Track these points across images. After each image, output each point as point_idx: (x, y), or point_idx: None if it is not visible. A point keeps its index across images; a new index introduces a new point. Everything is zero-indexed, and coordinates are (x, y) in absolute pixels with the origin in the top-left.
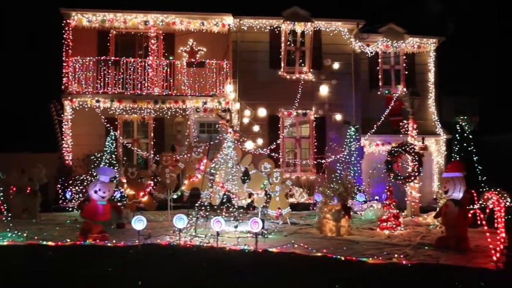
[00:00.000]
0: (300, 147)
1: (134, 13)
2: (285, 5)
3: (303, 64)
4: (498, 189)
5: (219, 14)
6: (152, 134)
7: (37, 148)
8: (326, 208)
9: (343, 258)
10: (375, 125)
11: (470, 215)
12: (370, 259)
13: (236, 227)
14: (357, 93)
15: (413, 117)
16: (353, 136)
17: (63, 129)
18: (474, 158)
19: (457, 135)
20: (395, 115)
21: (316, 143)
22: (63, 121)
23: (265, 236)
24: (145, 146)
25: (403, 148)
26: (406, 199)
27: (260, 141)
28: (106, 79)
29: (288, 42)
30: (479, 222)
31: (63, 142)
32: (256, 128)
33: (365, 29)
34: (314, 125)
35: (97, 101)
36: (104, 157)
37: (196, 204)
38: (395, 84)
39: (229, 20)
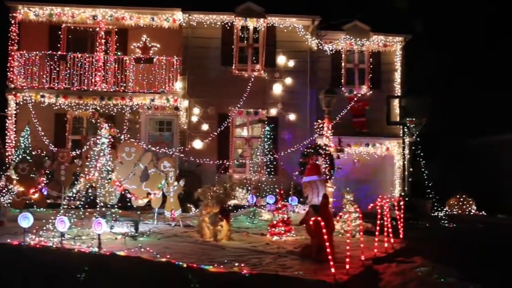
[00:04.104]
0: (251, 147)
1: (82, 7)
2: (239, 1)
3: (255, 62)
4: (463, 196)
5: (169, 9)
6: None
7: None
8: (205, 210)
9: (185, 265)
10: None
11: (311, 222)
12: (211, 267)
13: (111, 228)
14: (312, 92)
15: (329, 116)
16: (268, 136)
17: (6, 125)
18: (421, 162)
19: (404, 137)
20: (358, 116)
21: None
22: (7, 116)
23: (135, 238)
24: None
25: (316, 149)
26: None
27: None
28: (53, 74)
29: (241, 39)
30: (324, 230)
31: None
32: (205, 126)
33: (323, 26)
34: (266, 124)
35: (42, 96)
36: (17, 153)
37: (63, 203)
38: (359, 83)
39: (179, 15)
